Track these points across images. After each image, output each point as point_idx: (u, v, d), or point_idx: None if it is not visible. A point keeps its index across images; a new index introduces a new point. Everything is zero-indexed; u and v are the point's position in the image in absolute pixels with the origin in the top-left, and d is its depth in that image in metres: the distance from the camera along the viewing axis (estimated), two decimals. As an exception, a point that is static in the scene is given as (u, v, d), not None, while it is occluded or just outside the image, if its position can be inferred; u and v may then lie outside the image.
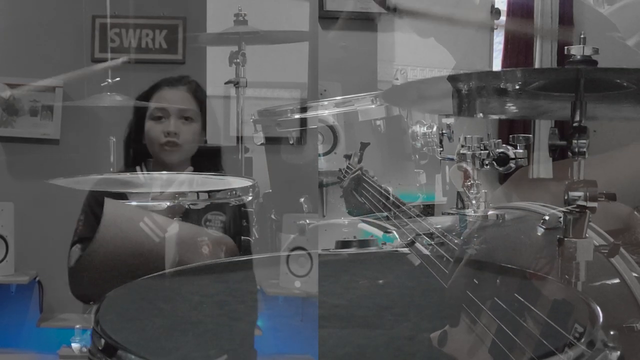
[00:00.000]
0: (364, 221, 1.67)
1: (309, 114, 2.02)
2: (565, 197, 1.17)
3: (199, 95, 2.09)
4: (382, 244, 1.59)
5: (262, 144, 2.10)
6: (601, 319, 0.97)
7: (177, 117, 2.02)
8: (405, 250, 1.38)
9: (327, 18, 3.18)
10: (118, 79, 2.29)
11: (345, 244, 1.69)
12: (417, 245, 1.35)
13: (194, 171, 2.03)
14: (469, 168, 1.44)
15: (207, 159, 2.09)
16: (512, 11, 3.27)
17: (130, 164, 2.07)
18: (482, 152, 1.44)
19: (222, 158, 2.15)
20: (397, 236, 1.39)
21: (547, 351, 0.88)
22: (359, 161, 1.87)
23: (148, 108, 2.03)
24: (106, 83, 2.27)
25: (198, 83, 2.14)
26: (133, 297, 1.26)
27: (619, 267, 1.30)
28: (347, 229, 1.77)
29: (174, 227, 1.70)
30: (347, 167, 1.86)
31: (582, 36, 1.17)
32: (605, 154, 1.80)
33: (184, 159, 2.06)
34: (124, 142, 2.10)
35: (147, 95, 2.07)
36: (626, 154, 1.95)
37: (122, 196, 1.71)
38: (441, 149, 1.88)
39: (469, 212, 1.44)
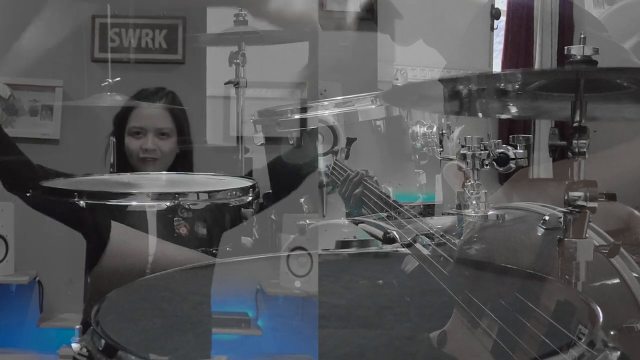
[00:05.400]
0: (363, 222, 1.67)
1: (309, 114, 2.02)
2: (565, 197, 1.17)
3: (176, 111, 2.12)
4: (382, 244, 1.59)
5: (262, 144, 2.10)
6: (601, 319, 0.97)
7: (154, 134, 2.06)
8: (405, 250, 1.38)
9: (327, 18, 3.18)
10: (118, 78, 2.29)
11: (345, 244, 1.69)
12: (417, 246, 1.35)
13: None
14: (463, 166, 1.44)
15: (178, 162, 2.12)
16: (512, 11, 3.28)
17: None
18: (482, 152, 1.44)
19: (194, 160, 2.18)
20: (397, 237, 1.39)
21: (548, 351, 0.88)
22: (346, 157, 1.88)
23: (127, 123, 2.08)
24: (106, 83, 2.27)
25: (175, 95, 2.17)
26: (133, 297, 1.26)
27: (619, 267, 1.30)
28: (347, 229, 1.77)
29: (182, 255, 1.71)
30: (335, 163, 1.87)
31: (582, 36, 1.18)
32: (605, 152, 1.80)
33: (162, 169, 2.09)
34: (112, 155, 2.14)
35: (125, 112, 2.10)
36: (626, 151, 1.95)
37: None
38: (441, 149, 1.88)
39: (469, 212, 1.44)
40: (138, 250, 1.71)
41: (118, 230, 1.70)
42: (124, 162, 2.10)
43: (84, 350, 0.97)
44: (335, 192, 1.88)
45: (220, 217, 1.92)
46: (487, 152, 1.44)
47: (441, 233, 1.38)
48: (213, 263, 1.64)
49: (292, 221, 1.99)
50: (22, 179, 1.96)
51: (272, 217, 2.05)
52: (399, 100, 1.77)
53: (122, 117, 2.12)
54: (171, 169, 2.13)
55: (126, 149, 2.08)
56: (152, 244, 1.71)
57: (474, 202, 1.43)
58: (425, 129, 1.92)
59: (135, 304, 1.23)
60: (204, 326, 1.14)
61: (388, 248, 1.44)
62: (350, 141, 1.91)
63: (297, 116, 2.00)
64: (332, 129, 1.92)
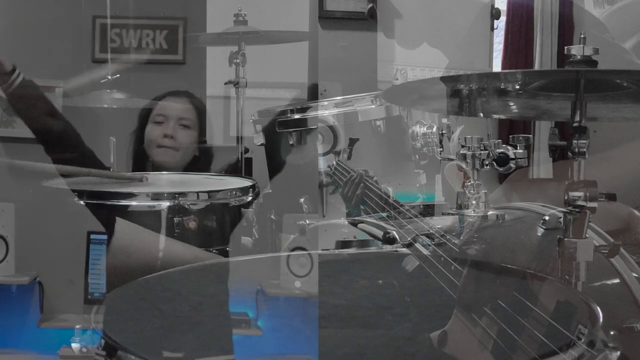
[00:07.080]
0: (363, 222, 1.67)
1: (309, 114, 2.03)
2: (565, 197, 1.16)
3: (199, 107, 2.16)
4: (382, 244, 1.59)
5: (262, 145, 2.10)
6: (601, 319, 0.97)
7: (176, 122, 2.09)
8: (405, 250, 1.38)
9: (327, 18, 3.18)
10: (118, 75, 2.30)
11: (345, 244, 1.69)
12: (417, 246, 1.35)
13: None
14: (464, 166, 1.44)
15: (195, 165, 2.14)
16: (512, 11, 3.27)
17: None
18: (482, 152, 1.44)
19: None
20: (397, 237, 1.39)
21: (547, 351, 0.88)
22: (349, 157, 1.89)
23: (151, 112, 2.12)
24: (106, 80, 2.27)
25: (200, 99, 2.22)
26: (133, 297, 1.25)
27: (619, 267, 1.30)
28: (347, 229, 1.77)
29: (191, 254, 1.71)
30: (337, 164, 1.87)
31: (582, 36, 1.17)
32: (605, 153, 1.80)
33: (178, 165, 2.10)
34: (132, 151, 2.16)
35: (151, 104, 2.14)
36: (626, 153, 1.95)
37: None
38: (441, 149, 1.88)
39: (469, 212, 1.44)
40: (143, 247, 1.71)
41: (122, 227, 1.70)
42: (141, 158, 2.11)
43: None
44: (337, 193, 1.88)
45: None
46: (487, 152, 1.44)
47: (441, 233, 1.38)
48: (214, 263, 1.64)
49: (292, 221, 1.99)
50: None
51: (272, 217, 2.05)
52: (399, 99, 1.77)
53: (147, 111, 2.15)
54: (187, 169, 2.15)
55: (146, 138, 2.11)
56: (159, 241, 1.71)
57: (473, 202, 1.43)
58: (425, 129, 1.92)
59: (135, 304, 1.23)
60: (205, 326, 1.14)
61: (388, 248, 1.44)
62: (352, 142, 1.92)
63: (297, 116, 2.00)
64: (332, 129, 1.92)
